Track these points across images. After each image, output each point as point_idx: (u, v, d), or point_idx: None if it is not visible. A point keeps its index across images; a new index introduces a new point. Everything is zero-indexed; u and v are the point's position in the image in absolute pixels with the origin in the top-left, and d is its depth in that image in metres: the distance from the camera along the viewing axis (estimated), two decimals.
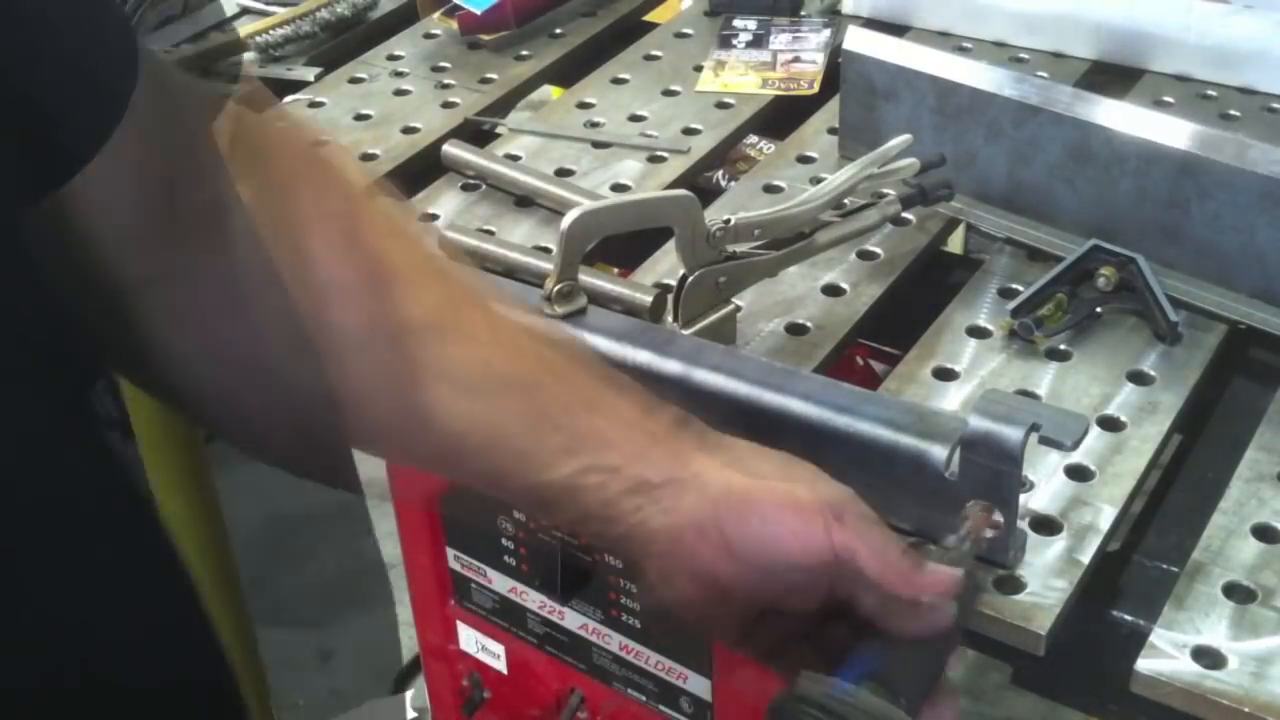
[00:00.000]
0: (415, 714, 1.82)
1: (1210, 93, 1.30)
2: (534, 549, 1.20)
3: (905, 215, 1.13)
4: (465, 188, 1.23)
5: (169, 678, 0.57)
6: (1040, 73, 1.33)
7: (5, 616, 0.51)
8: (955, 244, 1.32)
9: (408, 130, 1.30)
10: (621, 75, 1.39)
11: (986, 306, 1.06)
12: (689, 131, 1.29)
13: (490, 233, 1.16)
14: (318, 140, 0.80)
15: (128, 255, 0.58)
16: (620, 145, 1.27)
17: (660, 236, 1.09)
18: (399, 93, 1.37)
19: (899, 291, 1.09)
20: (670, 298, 1.01)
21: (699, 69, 1.39)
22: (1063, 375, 0.99)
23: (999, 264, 1.11)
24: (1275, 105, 1.28)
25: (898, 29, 1.42)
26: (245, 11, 1.50)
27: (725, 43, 1.43)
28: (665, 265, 1.10)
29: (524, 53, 1.44)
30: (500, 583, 1.27)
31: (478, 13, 1.42)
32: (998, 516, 0.81)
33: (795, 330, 1.04)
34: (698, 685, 1.16)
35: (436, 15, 1.46)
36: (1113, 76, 1.34)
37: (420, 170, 1.25)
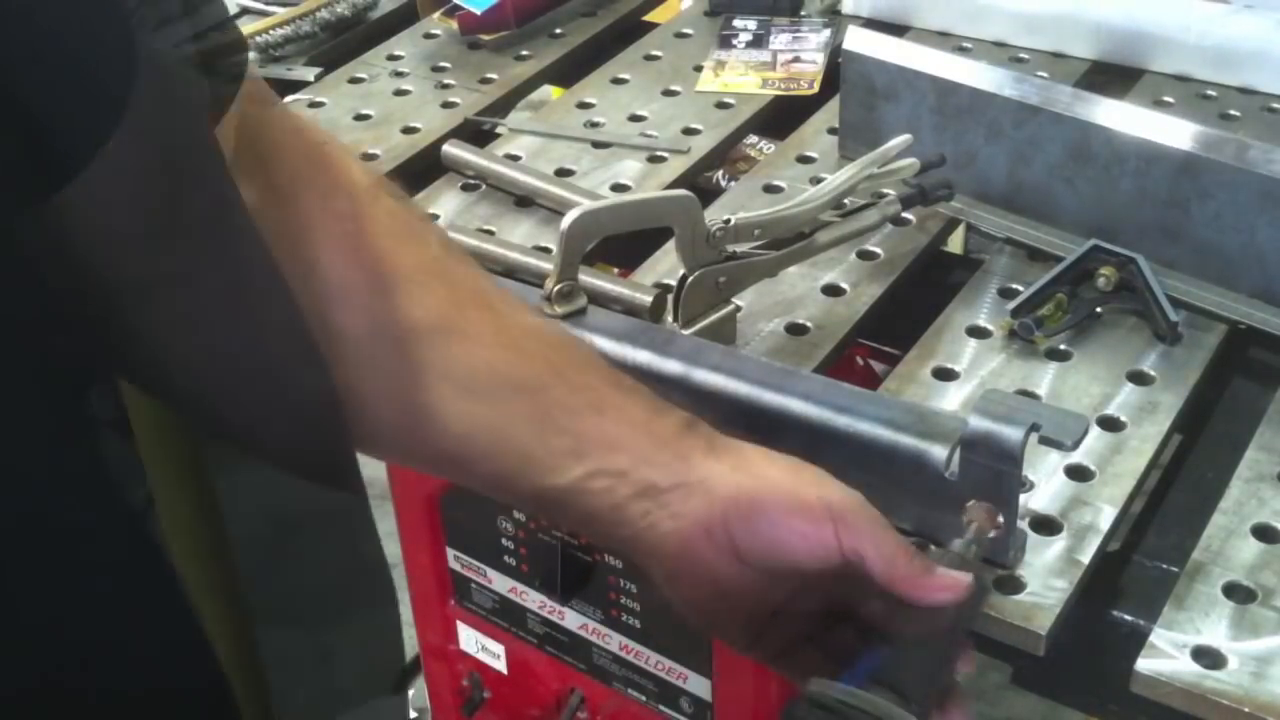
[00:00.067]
0: (415, 714, 1.82)
1: (1210, 93, 1.30)
2: (534, 549, 1.20)
3: (905, 215, 1.13)
4: (465, 188, 1.23)
5: (157, 684, 0.57)
6: (1040, 73, 1.33)
7: None
8: (955, 244, 1.32)
9: (408, 130, 1.30)
10: (621, 75, 1.39)
11: (986, 306, 1.06)
12: (689, 131, 1.29)
13: (490, 233, 1.16)
14: (323, 140, 0.79)
15: (128, 257, 0.58)
16: (620, 145, 1.27)
17: (660, 236, 1.09)
18: (399, 93, 1.37)
19: (899, 291, 1.09)
20: (670, 298, 1.01)
21: (699, 69, 1.39)
22: (1063, 375, 0.99)
23: (999, 264, 1.11)
24: (1275, 105, 1.28)
25: (898, 29, 1.42)
26: (245, 11, 1.50)
27: (725, 43, 1.43)
28: (665, 265, 1.10)
29: (524, 53, 1.44)
30: (500, 583, 1.27)
31: (478, 13, 1.42)
32: (1000, 517, 0.81)
33: (795, 330, 1.04)
34: (698, 685, 1.16)
35: (436, 15, 1.46)
36: (1113, 76, 1.34)
37: (420, 170, 1.25)
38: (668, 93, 1.36)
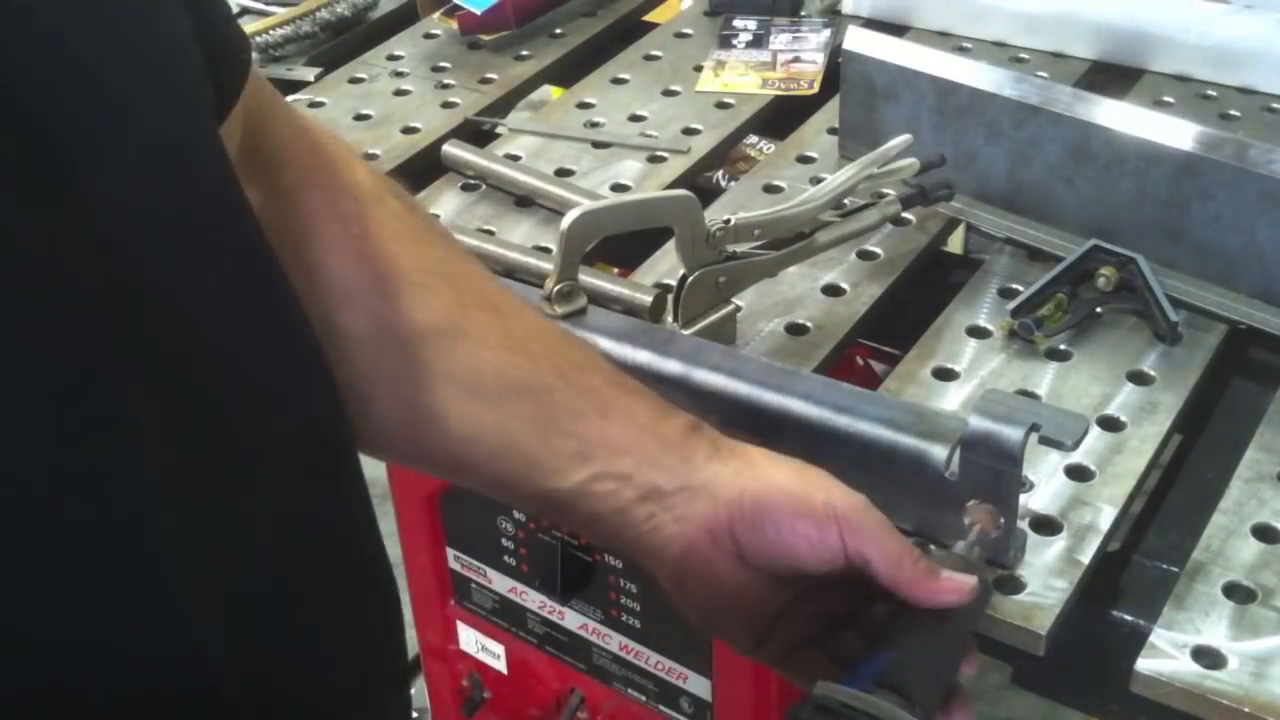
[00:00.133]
0: (415, 714, 1.82)
1: (1210, 93, 1.30)
2: (534, 549, 1.20)
3: (905, 215, 1.13)
4: (465, 188, 1.23)
5: (159, 685, 0.57)
6: (1040, 73, 1.33)
7: None
8: (955, 244, 1.32)
9: (408, 130, 1.30)
10: (621, 75, 1.39)
11: (986, 306, 1.06)
12: (689, 131, 1.29)
13: (490, 233, 1.16)
14: (328, 140, 0.79)
15: (132, 257, 0.58)
16: (620, 145, 1.27)
17: (660, 236, 1.09)
18: (399, 93, 1.37)
19: (899, 291, 1.09)
20: (670, 298, 1.01)
21: (699, 69, 1.39)
22: (1063, 375, 0.99)
23: (999, 264, 1.11)
24: (1275, 105, 1.28)
25: (898, 29, 1.42)
26: (245, 11, 1.51)
27: (725, 43, 1.43)
28: (665, 265, 1.10)
29: (524, 53, 1.44)
30: (500, 583, 1.27)
31: (478, 13, 1.42)
32: (1001, 518, 0.81)
33: (795, 330, 1.04)
34: (698, 685, 1.16)
35: (436, 15, 1.46)
36: (1113, 76, 1.34)
37: (420, 170, 1.25)
38: (668, 93, 1.36)
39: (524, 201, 1.20)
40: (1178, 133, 1.05)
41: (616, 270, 1.20)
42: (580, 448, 0.75)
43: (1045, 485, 0.89)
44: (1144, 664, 0.78)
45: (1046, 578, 0.83)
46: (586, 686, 1.26)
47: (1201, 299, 1.04)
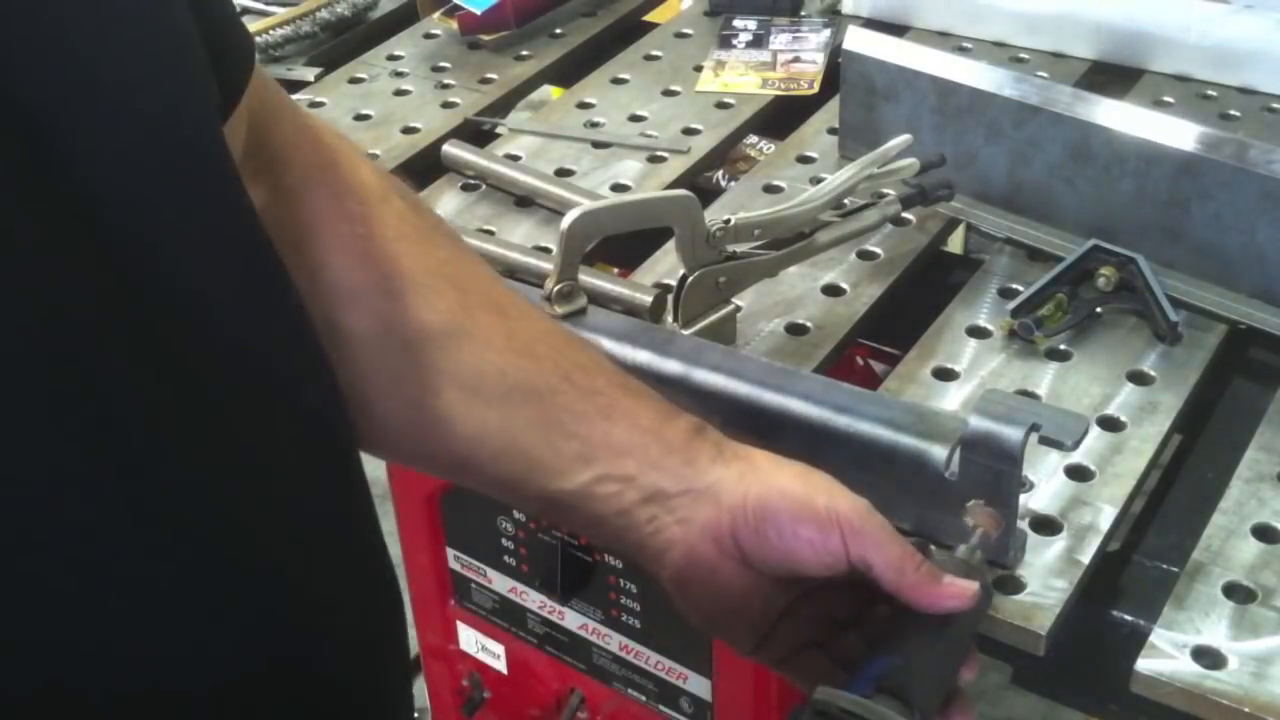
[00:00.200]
0: (415, 714, 1.82)
1: (1210, 93, 1.30)
2: (534, 549, 1.20)
3: (905, 215, 1.13)
4: (465, 188, 1.23)
5: (161, 686, 0.57)
6: (1040, 73, 1.33)
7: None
8: (955, 244, 1.32)
9: (408, 130, 1.30)
10: (621, 75, 1.39)
11: (986, 306, 1.06)
12: (689, 131, 1.29)
13: (490, 233, 1.16)
14: (333, 140, 0.79)
15: (134, 256, 0.58)
16: (620, 145, 1.27)
17: (660, 236, 1.09)
18: (399, 93, 1.37)
19: (899, 291, 1.09)
20: (670, 298, 1.01)
21: (699, 69, 1.39)
22: (1063, 375, 0.99)
23: (999, 264, 1.11)
24: (1275, 105, 1.28)
25: (898, 29, 1.42)
26: (245, 12, 1.50)
27: (725, 43, 1.43)
28: (665, 265, 1.10)
29: (524, 53, 1.44)
30: (500, 583, 1.27)
31: (478, 13, 1.42)
32: (1002, 520, 0.81)
33: (795, 330, 1.04)
34: (698, 685, 1.16)
35: (436, 15, 1.46)
36: (1113, 76, 1.34)
37: (420, 170, 1.25)
38: (668, 93, 1.36)
39: (524, 201, 1.20)
40: (1178, 133, 1.05)
41: (616, 270, 1.20)
42: (584, 450, 0.75)
43: (1045, 485, 0.89)
44: (1144, 664, 0.78)
45: (1046, 578, 0.83)
46: (586, 686, 1.26)
47: (1201, 299, 1.04)
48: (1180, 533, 0.89)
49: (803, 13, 1.48)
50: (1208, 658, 0.78)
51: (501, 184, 1.22)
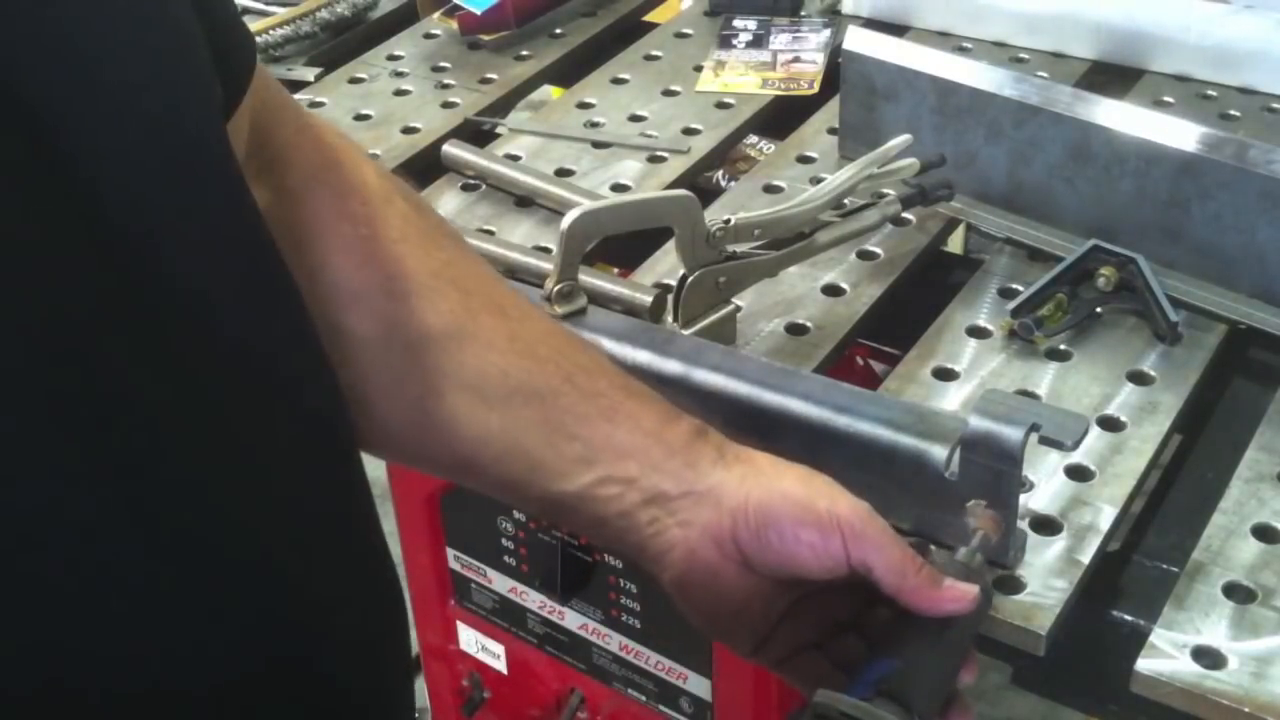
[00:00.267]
0: (415, 714, 1.82)
1: (1210, 93, 1.30)
2: (534, 549, 1.20)
3: (905, 215, 1.13)
4: (465, 188, 1.23)
5: (162, 686, 0.57)
6: (1040, 73, 1.33)
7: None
8: (955, 244, 1.32)
9: (408, 130, 1.30)
10: (621, 75, 1.39)
11: (986, 306, 1.06)
12: (689, 131, 1.29)
13: (490, 233, 1.16)
14: (336, 140, 0.79)
15: (136, 256, 0.58)
16: (620, 145, 1.27)
17: (660, 236, 1.09)
18: (399, 93, 1.37)
19: (899, 291, 1.09)
20: (670, 298, 1.01)
21: (699, 69, 1.39)
22: (1063, 375, 0.99)
23: (999, 264, 1.11)
24: (1275, 105, 1.28)
25: (898, 29, 1.42)
26: (245, 12, 1.50)
27: (725, 43, 1.43)
28: (665, 265, 1.10)
29: (524, 53, 1.44)
30: (500, 583, 1.27)
31: (478, 13, 1.42)
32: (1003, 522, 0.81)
33: (795, 330, 1.04)
34: (698, 685, 1.16)
35: (436, 15, 1.46)
36: (1113, 76, 1.34)
37: (420, 170, 1.25)
38: (668, 93, 1.36)
39: (524, 201, 1.20)
40: (1178, 133, 1.05)
41: (616, 270, 1.20)
42: (585, 451, 0.75)
43: (1045, 485, 0.89)
44: (1144, 664, 0.78)
45: (1046, 578, 0.83)
46: (586, 686, 1.26)
47: (1201, 299, 1.04)
48: (1180, 533, 0.89)
49: (803, 13, 1.48)
50: (1208, 658, 0.78)
51: (501, 184, 1.22)
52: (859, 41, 1.20)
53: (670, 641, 1.16)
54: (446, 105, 1.35)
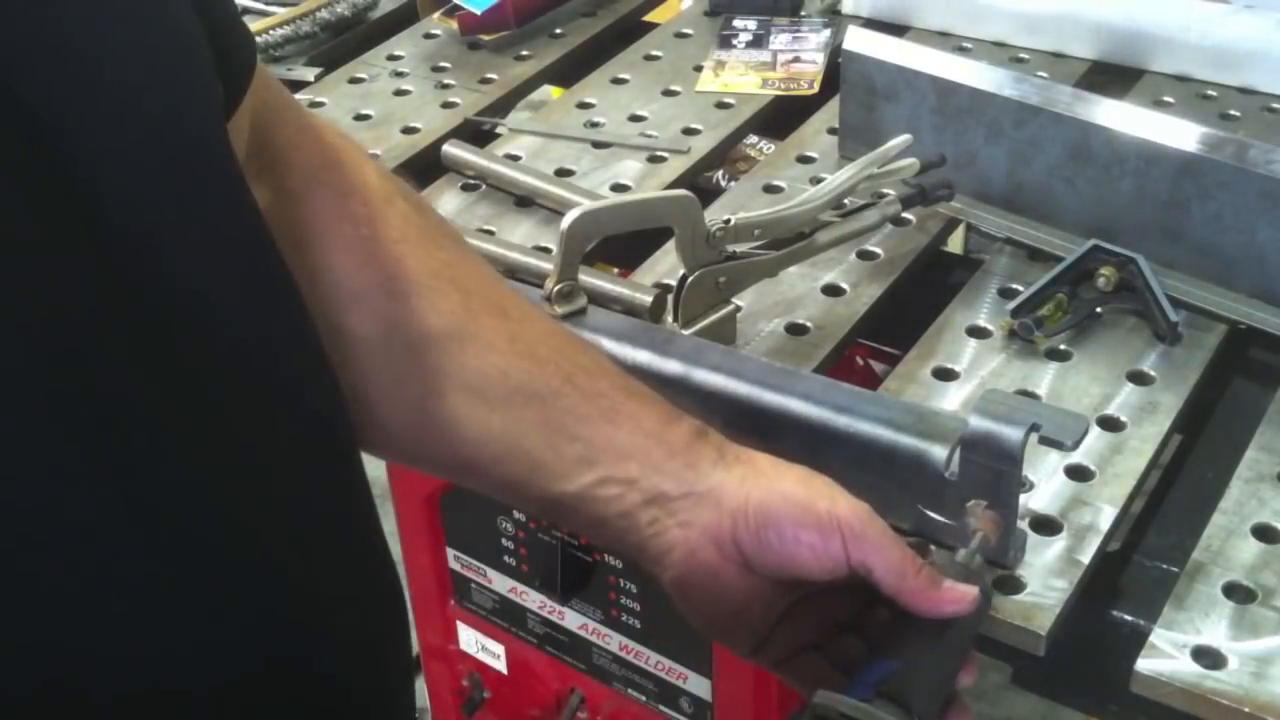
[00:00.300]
0: (415, 714, 1.82)
1: (1210, 93, 1.30)
2: (534, 549, 1.20)
3: (905, 215, 1.13)
4: (465, 188, 1.23)
5: (163, 687, 0.57)
6: (1040, 73, 1.33)
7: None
8: (955, 244, 1.32)
9: (408, 130, 1.30)
10: (621, 75, 1.39)
11: (986, 306, 1.06)
12: (689, 131, 1.29)
13: (490, 233, 1.16)
14: (337, 141, 0.79)
15: (137, 256, 0.58)
16: (620, 145, 1.27)
17: (660, 236, 1.09)
18: (399, 93, 1.37)
19: (899, 291, 1.09)
20: (670, 298, 1.01)
21: (699, 69, 1.39)
22: (1063, 375, 0.99)
23: (999, 264, 1.11)
24: (1275, 105, 1.28)
25: (898, 29, 1.42)
26: (245, 12, 1.50)
27: (725, 43, 1.43)
28: (665, 265, 1.10)
29: (524, 53, 1.44)
30: (500, 583, 1.27)
31: (478, 13, 1.42)
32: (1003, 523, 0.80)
33: (795, 330, 1.04)
34: (698, 685, 1.16)
35: (436, 15, 1.46)
36: (1113, 76, 1.34)
37: (420, 170, 1.25)
38: (668, 93, 1.36)
39: (524, 201, 1.20)
40: (1178, 133, 1.05)
41: (616, 270, 1.20)
42: (586, 452, 0.75)
43: (1045, 485, 0.89)
44: (1144, 664, 0.78)
45: (1046, 578, 0.83)
46: (586, 686, 1.26)
47: (1201, 299, 1.04)
48: (1180, 533, 0.89)
49: (803, 13, 1.48)
50: (1208, 658, 0.78)
51: (501, 184, 1.22)
52: (859, 41, 1.20)
53: (670, 641, 1.16)
54: (446, 105, 1.35)
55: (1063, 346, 1.01)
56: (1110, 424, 0.94)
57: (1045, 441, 0.79)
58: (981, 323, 1.04)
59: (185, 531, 0.56)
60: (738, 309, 1.02)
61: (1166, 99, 1.29)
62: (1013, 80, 1.13)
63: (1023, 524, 0.85)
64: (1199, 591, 0.82)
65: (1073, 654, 0.85)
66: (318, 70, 1.42)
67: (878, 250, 1.12)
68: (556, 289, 0.96)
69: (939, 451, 0.82)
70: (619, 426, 0.76)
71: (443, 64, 1.42)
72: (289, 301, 0.65)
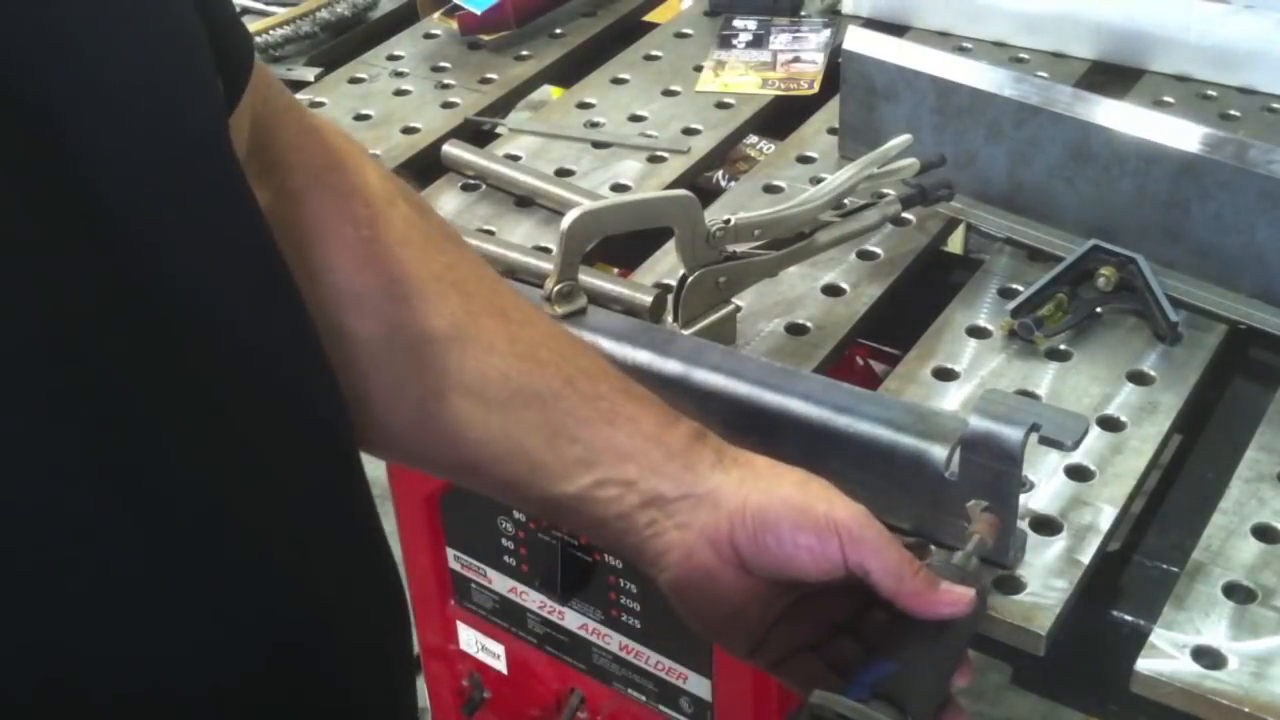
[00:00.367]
0: (417, 714, 1.82)
1: (1210, 93, 1.30)
2: (534, 549, 1.20)
3: (905, 215, 1.13)
4: (465, 188, 1.23)
5: (164, 687, 0.57)
6: (1040, 73, 1.33)
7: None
8: (955, 244, 1.32)
9: (408, 130, 1.30)
10: (621, 75, 1.39)
11: (986, 306, 1.06)
12: (689, 131, 1.29)
13: (490, 233, 1.16)
14: (339, 141, 0.79)
15: (136, 255, 0.58)
16: (620, 145, 1.27)
17: (660, 236, 1.09)
18: (399, 93, 1.37)
19: (899, 291, 1.09)
20: (670, 298, 1.01)
21: (699, 69, 1.39)
22: (1063, 375, 0.99)
23: (999, 264, 1.11)
24: (1275, 105, 1.28)
25: (898, 29, 1.42)
26: (245, 12, 1.51)
27: (725, 43, 1.43)
28: (665, 265, 1.10)
29: (524, 53, 1.44)
30: (500, 583, 1.27)
31: (478, 13, 1.42)
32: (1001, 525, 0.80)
33: (795, 330, 1.04)
34: (698, 685, 1.16)
35: (436, 15, 1.46)
36: (1113, 76, 1.34)
37: (420, 170, 1.25)
38: (668, 93, 1.36)
39: (524, 201, 1.20)
40: (1178, 133, 1.05)
41: (616, 270, 1.20)
42: (585, 454, 0.75)
43: (1045, 485, 0.89)
44: (1144, 664, 0.78)
45: (1046, 578, 0.83)
46: (586, 686, 1.26)
47: (1201, 299, 1.04)
48: (1180, 533, 0.89)
49: (803, 13, 1.48)
50: (1208, 658, 0.78)
51: (501, 184, 1.22)
52: (859, 41, 1.20)
53: (670, 641, 1.16)
54: (446, 105, 1.35)
55: (1063, 346, 1.01)
56: (1110, 424, 0.94)
57: (1045, 441, 0.79)
58: (981, 323, 1.04)
59: (185, 531, 0.56)
60: (738, 309, 1.02)
61: (1166, 99, 1.29)
62: (1013, 80, 1.13)
63: (1023, 524, 0.85)
64: (1199, 591, 0.82)
65: (1073, 654, 0.85)
66: (318, 70, 1.42)
67: (878, 250, 1.12)
68: (556, 289, 0.96)
69: (939, 451, 0.82)
70: (618, 429, 0.76)
71: (443, 64, 1.42)
72: (290, 302, 0.65)
